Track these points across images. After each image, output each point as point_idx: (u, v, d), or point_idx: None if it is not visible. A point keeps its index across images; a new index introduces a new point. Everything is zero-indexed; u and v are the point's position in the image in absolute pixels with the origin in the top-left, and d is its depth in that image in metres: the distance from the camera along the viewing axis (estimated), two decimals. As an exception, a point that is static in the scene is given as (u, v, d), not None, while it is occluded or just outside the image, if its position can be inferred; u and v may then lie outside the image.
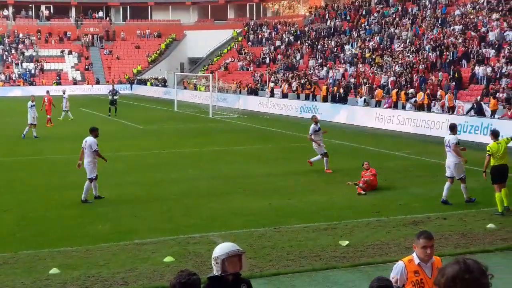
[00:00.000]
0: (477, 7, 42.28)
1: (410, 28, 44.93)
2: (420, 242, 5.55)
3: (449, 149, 14.07)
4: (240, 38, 71.71)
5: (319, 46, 53.37)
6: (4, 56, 71.84)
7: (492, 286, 3.01)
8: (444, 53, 37.53)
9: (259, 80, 52.45)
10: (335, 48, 50.60)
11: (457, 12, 43.10)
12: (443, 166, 14.52)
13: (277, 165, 19.81)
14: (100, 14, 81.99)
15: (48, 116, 33.03)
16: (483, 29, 37.86)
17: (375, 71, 40.97)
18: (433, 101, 32.01)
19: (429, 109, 31.79)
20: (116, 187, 15.78)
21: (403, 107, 33.29)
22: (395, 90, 35.42)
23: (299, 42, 58.46)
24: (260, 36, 67.51)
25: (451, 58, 36.88)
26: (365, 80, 40.09)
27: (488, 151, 13.33)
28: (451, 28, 40.91)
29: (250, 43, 68.05)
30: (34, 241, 11.30)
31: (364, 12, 54.58)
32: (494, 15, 39.01)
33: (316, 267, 9.64)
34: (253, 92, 49.52)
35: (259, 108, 42.44)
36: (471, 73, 34.18)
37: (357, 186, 15.29)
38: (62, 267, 9.72)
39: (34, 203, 14.62)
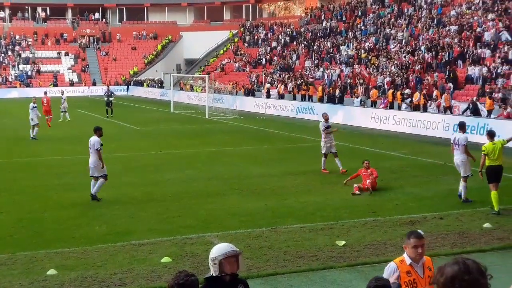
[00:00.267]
0: (473, 7, 42.40)
1: (405, 28, 45.02)
2: (411, 241, 5.55)
3: (458, 147, 14.15)
4: (236, 39, 71.73)
5: (315, 47, 53.43)
6: (1, 58, 71.72)
7: (490, 286, 3.03)
8: (440, 54, 37.63)
9: (255, 81, 52.48)
10: (331, 49, 50.67)
11: (453, 12, 43.21)
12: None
13: (273, 165, 19.83)
14: (97, 15, 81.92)
15: (49, 117, 33.04)
16: (478, 30, 37.97)
17: (371, 72, 41.05)
18: (429, 101, 32.08)
19: (425, 109, 31.86)
20: (113, 188, 15.78)
21: (399, 108, 33.36)
22: (391, 91, 35.50)
23: (295, 43, 58.52)
24: (256, 37, 67.54)
25: (446, 59, 36.98)
26: (361, 81, 40.17)
27: (484, 150, 13.42)
28: (447, 28, 41.01)
29: (246, 44, 68.07)
30: (31, 242, 11.30)
31: (359, 13, 54.66)
32: (490, 15, 39.12)
33: (313, 267, 9.66)
34: (250, 93, 49.55)
35: (255, 109, 42.49)
36: (466, 73, 34.29)
37: (354, 186, 15.33)
38: (60, 268, 9.73)
39: (31, 204, 14.62)
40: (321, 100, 40.09)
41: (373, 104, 36.19)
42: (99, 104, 45.09)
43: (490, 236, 11.33)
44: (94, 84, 69.13)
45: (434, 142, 25.22)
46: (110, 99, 39.53)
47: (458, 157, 14.18)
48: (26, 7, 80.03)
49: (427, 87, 33.96)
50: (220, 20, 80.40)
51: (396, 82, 36.99)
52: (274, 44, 61.37)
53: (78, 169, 19.28)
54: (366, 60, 44.09)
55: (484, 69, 33.19)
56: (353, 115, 33.32)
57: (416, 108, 32.54)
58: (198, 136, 28.66)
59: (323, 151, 18.41)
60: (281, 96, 44.63)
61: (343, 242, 10.84)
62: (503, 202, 13.56)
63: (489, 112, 28.08)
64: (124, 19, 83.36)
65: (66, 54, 74.42)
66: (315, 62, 50.11)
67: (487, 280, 3.01)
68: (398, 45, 43.37)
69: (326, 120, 18.79)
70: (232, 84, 53.48)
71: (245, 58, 62.79)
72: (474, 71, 33.89)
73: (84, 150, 23.65)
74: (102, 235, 11.74)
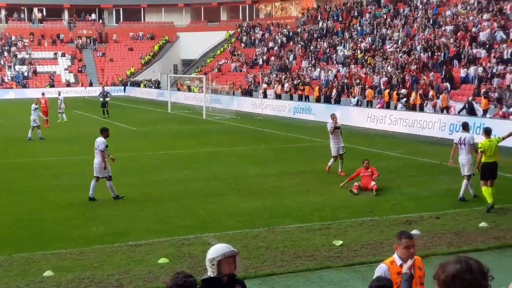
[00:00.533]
0: (468, 7, 42.49)
1: (401, 28, 45.10)
2: (403, 242, 5.53)
3: (464, 146, 14.23)
4: (233, 40, 71.75)
5: (311, 47, 53.48)
6: (-3, 59, 71.69)
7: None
8: (436, 54, 37.69)
9: (252, 81, 52.49)
10: (328, 49, 50.72)
11: (448, 12, 43.30)
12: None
13: (271, 165, 19.85)
14: (93, 16, 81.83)
15: (46, 118, 33.11)
16: (474, 30, 38.06)
17: (368, 72, 41.10)
18: (426, 101, 32.13)
19: (421, 109, 31.92)
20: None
21: (395, 108, 33.41)
22: (387, 91, 35.55)
23: (291, 43, 58.56)
24: (253, 37, 67.56)
25: (442, 59, 37.05)
26: (357, 81, 40.22)
27: (480, 147, 13.59)
28: (443, 28, 41.09)
29: (243, 44, 68.09)
30: (28, 244, 11.29)
31: (356, 13, 54.74)
32: (485, 16, 39.22)
33: (310, 267, 9.68)
34: (247, 93, 49.56)
35: (252, 109, 42.51)
36: (462, 73, 34.35)
37: (355, 184, 15.35)
38: (56, 269, 9.72)
39: (27, 205, 14.61)
40: (318, 100, 40.11)
41: (368, 104, 36.23)
42: (95, 105, 45.03)
43: (486, 235, 11.36)
44: (90, 84, 69.06)
45: (430, 142, 25.27)
46: (106, 99, 39.55)
47: (464, 157, 14.27)
48: (22, 7, 79.90)
49: (423, 87, 34.02)
50: (217, 21, 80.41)
51: (392, 82, 37.05)
52: (271, 44, 61.39)
53: (75, 170, 19.30)
54: (363, 60, 44.14)
55: (480, 69, 33.27)
56: (350, 115, 33.33)
57: (412, 108, 32.59)
58: (196, 137, 28.67)
59: (333, 153, 18.13)
60: (278, 96, 44.65)
61: (340, 242, 10.86)
62: (499, 201, 13.62)
63: (485, 111, 28.15)
64: (121, 20, 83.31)
65: (63, 55, 74.33)
66: (312, 62, 50.15)
67: (488, 281, 3.01)
68: (394, 45, 43.44)
69: (335, 120, 18.50)
70: (229, 85, 53.49)
71: (242, 59, 62.81)
72: (467, 72, 33.96)
73: (81, 150, 23.74)
74: (99, 236, 11.73)
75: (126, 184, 16.86)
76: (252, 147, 24.84)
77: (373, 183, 15.29)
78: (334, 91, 39.33)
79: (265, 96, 44.97)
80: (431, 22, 43.40)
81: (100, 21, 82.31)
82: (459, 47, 37.14)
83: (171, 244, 11.00)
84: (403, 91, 34.17)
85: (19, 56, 72.44)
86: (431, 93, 32.57)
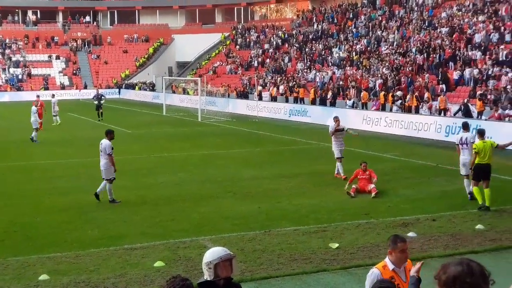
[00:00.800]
0: (463, 9, 42.62)
1: (397, 30, 45.19)
2: (399, 246, 5.48)
3: (466, 146, 14.25)
4: (228, 42, 71.76)
5: (307, 49, 53.54)
6: (-9, 61, 71.48)
7: None
8: (431, 55, 37.77)
9: (248, 83, 52.49)
10: (323, 51, 50.79)
11: (444, 14, 43.42)
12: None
13: (266, 168, 19.83)
14: (88, 18, 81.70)
15: (40, 120, 32.98)
16: (469, 31, 38.16)
17: (363, 74, 41.15)
18: (421, 103, 32.17)
19: (417, 111, 31.95)
20: (105, 192, 15.71)
21: (391, 110, 33.44)
22: (383, 93, 35.58)
23: (287, 45, 58.62)
24: (248, 39, 67.59)
25: (438, 60, 37.13)
26: (353, 83, 40.26)
27: (475, 149, 13.67)
28: (438, 30, 41.19)
29: (238, 46, 68.11)
30: (23, 247, 11.23)
31: (351, 15, 54.85)
32: (480, 17, 39.34)
33: (306, 270, 9.65)
34: (242, 95, 49.55)
35: (247, 111, 42.48)
36: (455, 75, 34.42)
37: (353, 186, 15.33)
38: (52, 273, 9.66)
39: (22, 208, 14.53)
40: (313, 102, 40.13)
41: (363, 106, 36.26)
42: (90, 107, 44.92)
43: (482, 237, 11.36)
44: (85, 87, 68.92)
45: (426, 144, 25.30)
46: (101, 102, 39.49)
47: (466, 157, 14.32)
48: (17, 10, 79.69)
49: (418, 89, 34.07)
50: (212, 23, 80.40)
51: (387, 84, 37.09)
52: (266, 46, 61.44)
53: (70, 173, 19.24)
54: (358, 62, 44.20)
55: (475, 71, 33.35)
56: (346, 117, 33.32)
57: (408, 110, 32.63)
58: (191, 139, 28.62)
59: (336, 155, 17.95)
60: (273, 99, 44.67)
61: (337, 245, 10.84)
62: (495, 203, 13.63)
63: (480, 113, 28.20)
64: (116, 22, 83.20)
65: (57, 57, 74.16)
66: (307, 65, 50.19)
67: (489, 285, 3.00)
68: (390, 47, 43.52)
69: (337, 123, 18.18)
70: (224, 87, 53.47)
71: (237, 61, 62.82)
72: (463, 74, 34.03)
73: (76, 153, 23.68)
74: (94, 239, 11.68)
75: (121, 187, 16.78)
76: (248, 150, 24.82)
77: (372, 186, 15.27)
78: (330, 93, 39.36)
79: (260, 98, 44.98)
80: (426, 24, 43.51)
81: (95, 23, 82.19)
82: (455, 49, 37.23)
83: (166, 248, 10.96)
84: (399, 93, 34.21)
85: (14, 58, 72.24)
86: (426, 95, 32.62)
